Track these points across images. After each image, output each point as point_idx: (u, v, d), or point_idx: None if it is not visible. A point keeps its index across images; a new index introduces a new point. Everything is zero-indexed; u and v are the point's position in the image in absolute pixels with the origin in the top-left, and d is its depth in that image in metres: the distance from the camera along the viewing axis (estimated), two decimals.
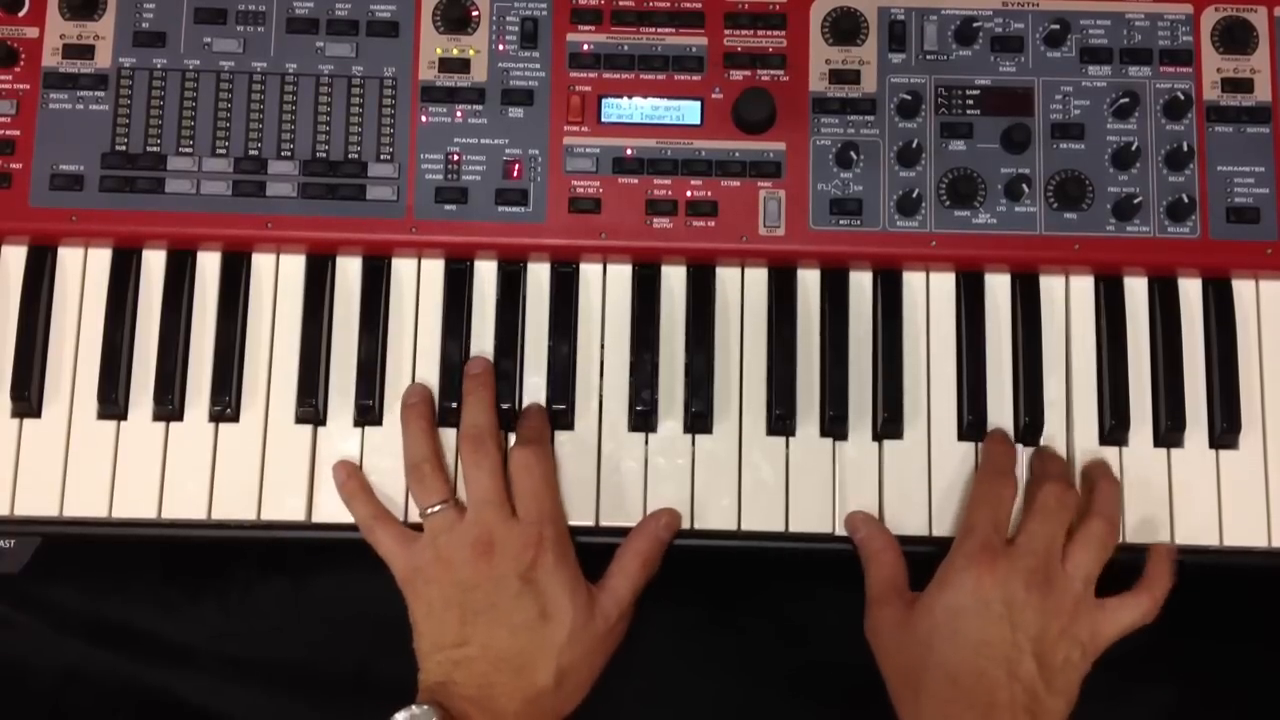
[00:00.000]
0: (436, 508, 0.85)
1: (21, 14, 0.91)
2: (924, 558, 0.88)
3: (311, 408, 0.89)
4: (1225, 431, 0.89)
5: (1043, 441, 0.89)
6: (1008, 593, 0.79)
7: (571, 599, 0.82)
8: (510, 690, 0.81)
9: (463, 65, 0.91)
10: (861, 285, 0.91)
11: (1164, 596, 0.83)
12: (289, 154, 0.90)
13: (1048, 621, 0.79)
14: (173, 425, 0.89)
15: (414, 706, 0.78)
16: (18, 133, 0.90)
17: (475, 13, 0.92)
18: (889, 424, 0.89)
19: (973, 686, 0.78)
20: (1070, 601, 0.80)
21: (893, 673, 0.82)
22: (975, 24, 0.91)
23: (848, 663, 0.92)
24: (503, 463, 0.86)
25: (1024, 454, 0.89)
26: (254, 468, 0.88)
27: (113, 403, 0.88)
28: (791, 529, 0.88)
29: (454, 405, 0.88)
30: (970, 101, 0.91)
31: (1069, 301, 0.91)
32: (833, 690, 0.93)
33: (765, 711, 0.93)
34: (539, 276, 0.91)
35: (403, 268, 0.91)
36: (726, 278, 0.91)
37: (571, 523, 0.88)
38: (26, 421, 0.89)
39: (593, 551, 0.90)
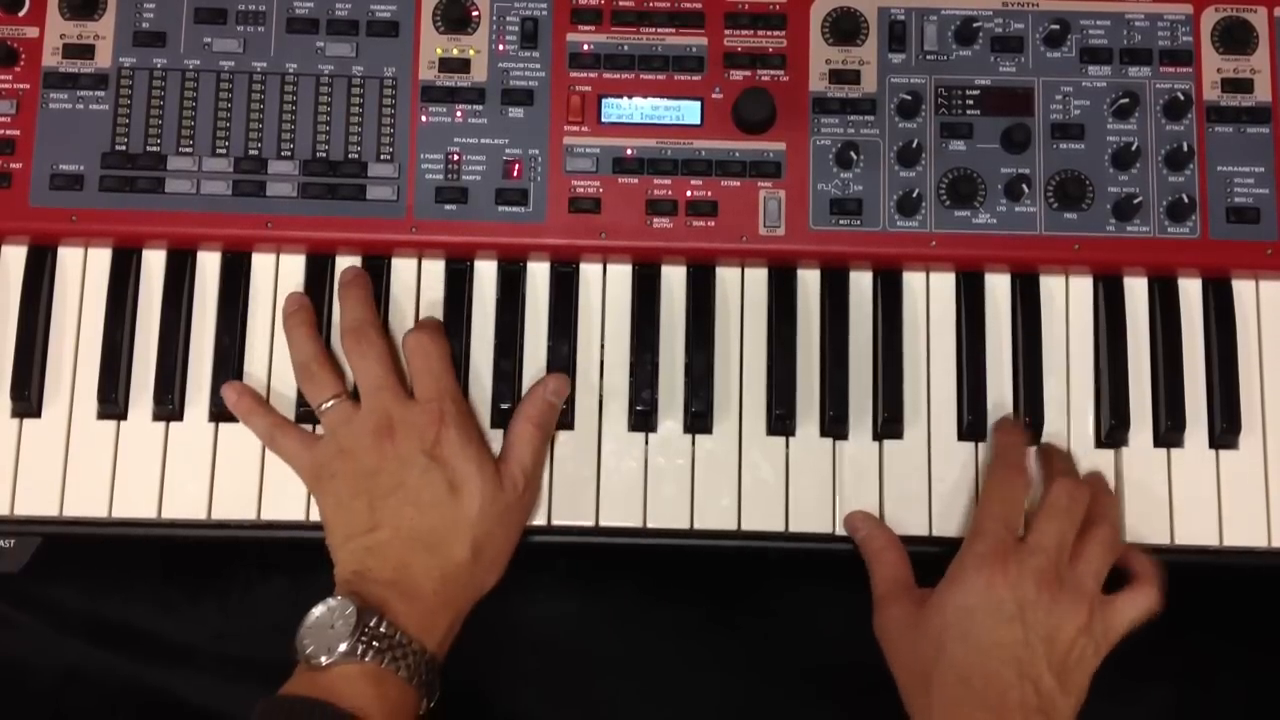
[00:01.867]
0: (330, 402, 0.85)
1: (21, 14, 0.91)
2: (925, 557, 0.89)
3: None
4: (1225, 431, 0.89)
5: (1045, 440, 0.89)
6: (1020, 593, 0.79)
7: (479, 470, 0.82)
8: (426, 568, 0.80)
9: (463, 65, 0.91)
10: (861, 285, 0.91)
11: (1162, 584, 0.83)
12: (289, 154, 0.90)
13: (1060, 621, 0.79)
14: (173, 425, 0.89)
15: (330, 599, 0.77)
16: (18, 132, 0.90)
17: (475, 12, 0.92)
18: (889, 424, 0.89)
19: (984, 687, 0.77)
20: (1082, 599, 0.80)
21: (902, 671, 0.82)
22: (975, 24, 0.91)
23: (848, 662, 0.92)
24: (389, 351, 0.86)
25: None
26: (254, 467, 0.88)
27: (113, 402, 0.88)
28: (791, 529, 0.88)
29: None
30: (970, 101, 0.91)
31: (1069, 301, 0.91)
32: (833, 690, 0.93)
33: (765, 711, 0.93)
34: (539, 276, 0.91)
35: (403, 267, 0.91)
36: (726, 278, 0.91)
37: (571, 522, 0.88)
38: (26, 421, 0.89)
39: (593, 551, 0.90)
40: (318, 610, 0.77)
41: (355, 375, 0.86)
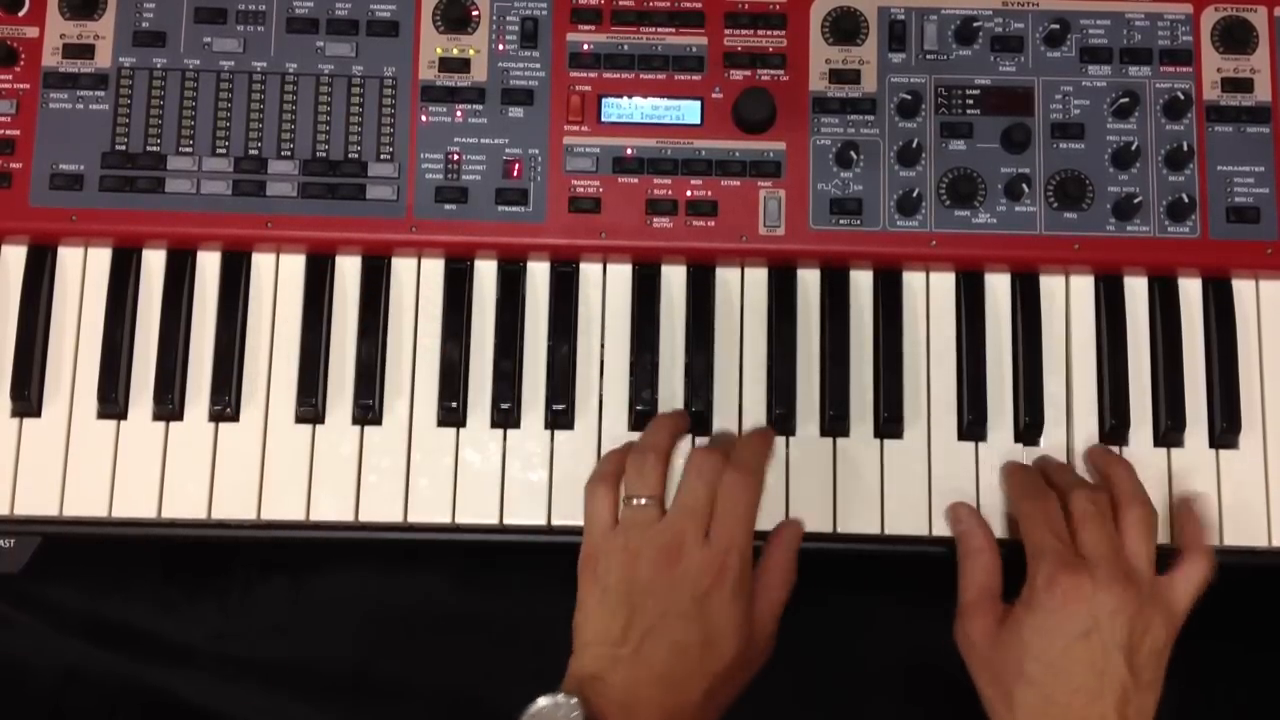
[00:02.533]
0: (642, 500, 0.82)
1: (21, 13, 0.91)
2: (925, 557, 0.89)
3: (311, 407, 0.89)
4: (1225, 431, 0.89)
5: (1043, 441, 0.89)
6: (1093, 606, 0.78)
7: (737, 634, 0.81)
8: (657, 704, 0.79)
9: (463, 65, 0.91)
10: (861, 285, 0.91)
11: (1211, 548, 0.83)
12: (289, 154, 0.90)
13: (1133, 622, 0.79)
14: (173, 425, 0.89)
15: (559, 695, 0.77)
16: (18, 132, 0.90)
17: (475, 12, 0.92)
18: (889, 424, 0.89)
19: (1068, 703, 0.78)
20: (1146, 591, 0.80)
21: (986, 685, 0.82)
22: (975, 24, 0.91)
23: (847, 661, 0.92)
24: (736, 496, 0.83)
25: (1025, 455, 0.89)
26: (254, 467, 0.88)
27: (113, 402, 0.88)
28: None
29: (453, 405, 0.88)
30: (970, 101, 0.91)
31: (1069, 301, 0.91)
32: (833, 689, 0.93)
33: (765, 711, 0.93)
34: (539, 276, 0.91)
35: (402, 267, 0.91)
36: (726, 277, 0.91)
37: (571, 522, 0.88)
38: (26, 421, 0.89)
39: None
40: (544, 701, 0.77)
41: (681, 486, 0.82)
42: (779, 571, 0.85)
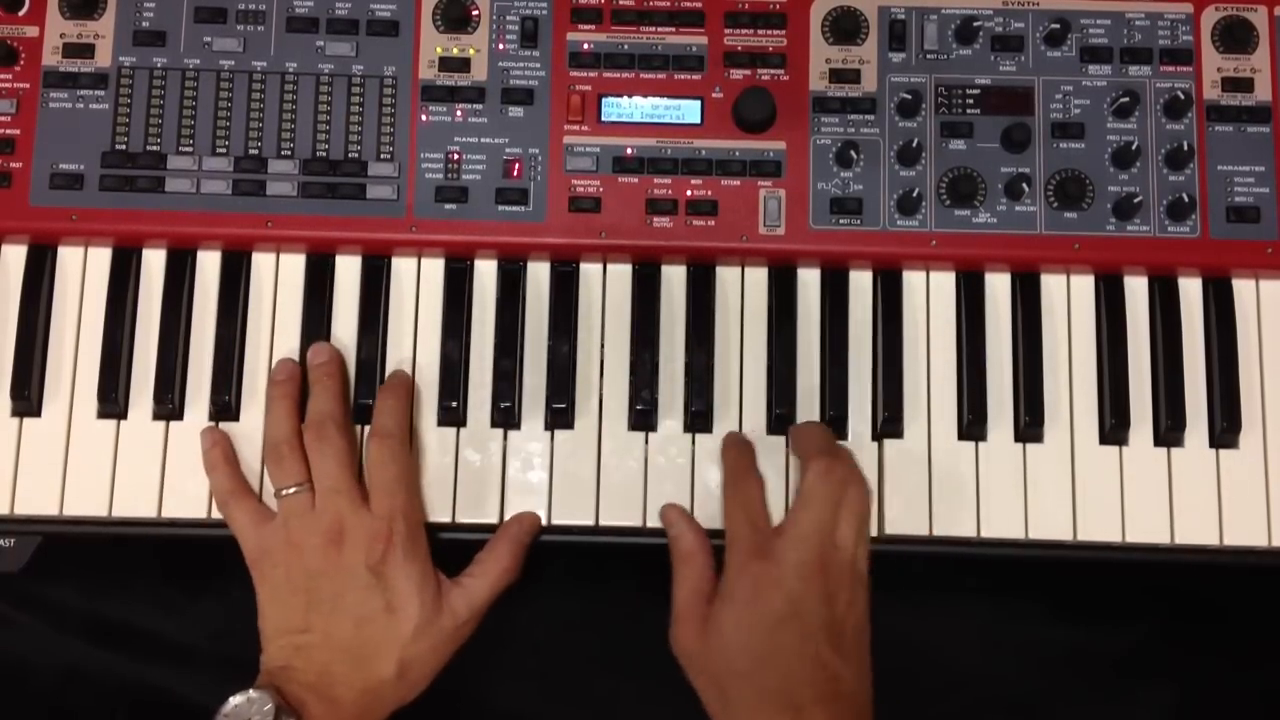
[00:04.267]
0: (291, 490, 0.83)
1: (21, 13, 0.91)
2: (924, 557, 0.89)
3: None
4: (1225, 431, 0.89)
5: (1045, 439, 0.89)
6: (786, 590, 0.78)
7: (419, 595, 0.82)
8: (349, 680, 0.81)
9: (463, 64, 0.91)
10: (861, 285, 0.91)
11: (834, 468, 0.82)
12: (289, 153, 0.90)
13: (832, 604, 0.79)
14: (173, 424, 0.89)
15: (251, 690, 0.78)
16: (18, 132, 0.90)
17: (475, 12, 0.92)
18: (889, 423, 0.89)
19: (777, 690, 0.77)
20: (846, 577, 0.80)
21: (704, 689, 0.81)
22: (975, 23, 0.91)
23: None
24: (350, 450, 0.85)
25: (1025, 453, 0.89)
26: (254, 466, 0.88)
27: (113, 402, 0.88)
28: None
29: (453, 404, 0.88)
30: (970, 101, 0.91)
31: (1069, 301, 0.91)
32: None
33: None
34: (539, 276, 0.91)
35: (403, 267, 0.91)
36: (726, 277, 0.91)
37: (571, 522, 0.88)
38: (26, 420, 0.89)
39: (593, 551, 0.90)
40: (237, 699, 0.78)
41: (313, 471, 0.84)
42: (492, 560, 0.85)
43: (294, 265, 0.91)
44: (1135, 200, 0.88)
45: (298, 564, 0.82)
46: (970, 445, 0.89)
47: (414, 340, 0.90)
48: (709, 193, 0.90)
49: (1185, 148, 0.89)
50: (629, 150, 0.90)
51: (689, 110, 0.91)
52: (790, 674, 0.77)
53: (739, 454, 0.86)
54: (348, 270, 0.91)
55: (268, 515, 0.85)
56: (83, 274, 0.91)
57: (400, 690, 0.82)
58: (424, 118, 0.91)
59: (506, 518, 0.88)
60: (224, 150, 0.90)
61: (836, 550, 0.80)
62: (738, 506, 0.83)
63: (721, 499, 0.85)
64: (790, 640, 0.78)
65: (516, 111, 0.91)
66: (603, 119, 0.91)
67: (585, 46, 0.92)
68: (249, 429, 0.89)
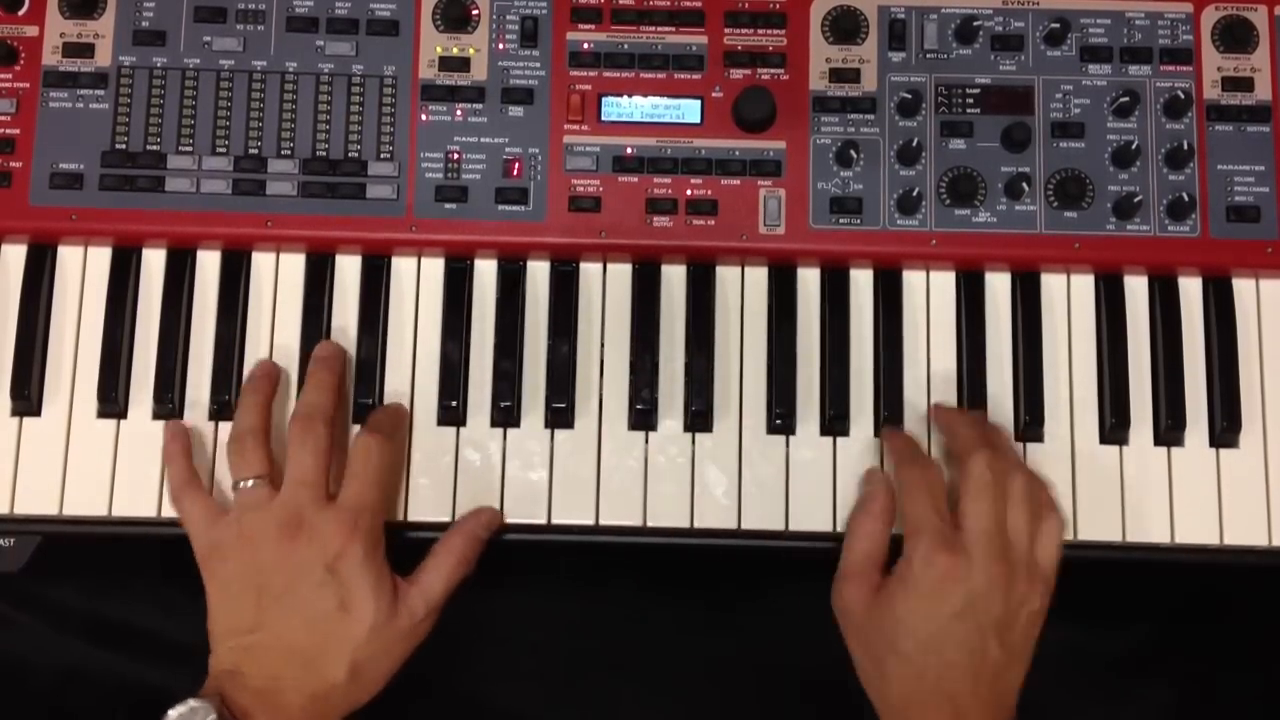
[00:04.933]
0: (250, 482, 0.81)
1: (21, 12, 0.91)
2: None
3: None
4: (1225, 430, 0.89)
5: (1045, 440, 0.89)
6: (968, 587, 0.78)
7: (375, 594, 0.79)
8: (298, 684, 0.78)
9: (463, 64, 0.91)
10: (862, 284, 0.91)
11: (1055, 503, 0.83)
12: (289, 153, 0.90)
13: (1007, 602, 0.79)
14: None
15: (191, 700, 0.75)
16: (17, 131, 0.90)
17: (475, 11, 0.92)
18: (889, 423, 0.89)
19: (937, 679, 0.78)
20: (1022, 571, 0.80)
21: (858, 651, 0.81)
22: (975, 23, 0.91)
23: (847, 661, 0.92)
24: (330, 448, 0.83)
25: (1025, 452, 0.89)
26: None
27: (112, 401, 0.88)
28: (791, 528, 0.88)
29: (453, 404, 0.88)
30: (970, 100, 0.91)
31: (1069, 300, 0.91)
32: (833, 689, 0.93)
33: (765, 710, 0.93)
34: (539, 275, 0.91)
35: (402, 266, 0.91)
36: (726, 276, 0.91)
37: (571, 521, 0.88)
38: (26, 420, 0.89)
39: (593, 551, 0.90)
40: (179, 710, 0.75)
41: (288, 460, 0.82)
42: (447, 554, 0.83)
43: (294, 265, 0.91)
44: (1135, 200, 0.89)
45: (250, 558, 0.80)
46: None
47: (414, 340, 0.90)
48: (709, 192, 0.90)
49: (1185, 147, 0.89)
50: (629, 150, 0.90)
51: (689, 110, 0.91)
52: (954, 665, 0.78)
53: (906, 439, 0.86)
54: (348, 270, 0.91)
55: (221, 512, 0.83)
56: (83, 274, 0.91)
57: (352, 693, 0.80)
58: (424, 117, 0.91)
59: (506, 517, 0.88)
60: (224, 150, 0.90)
61: (1014, 545, 0.80)
62: (921, 490, 0.81)
63: (899, 478, 0.84)
64: (961, 634, 0.78)
65: (516, 111, 0.91)
66: (603, 118, 0.91)
67: (585, 46, 0.92)
68: None
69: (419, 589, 0.82)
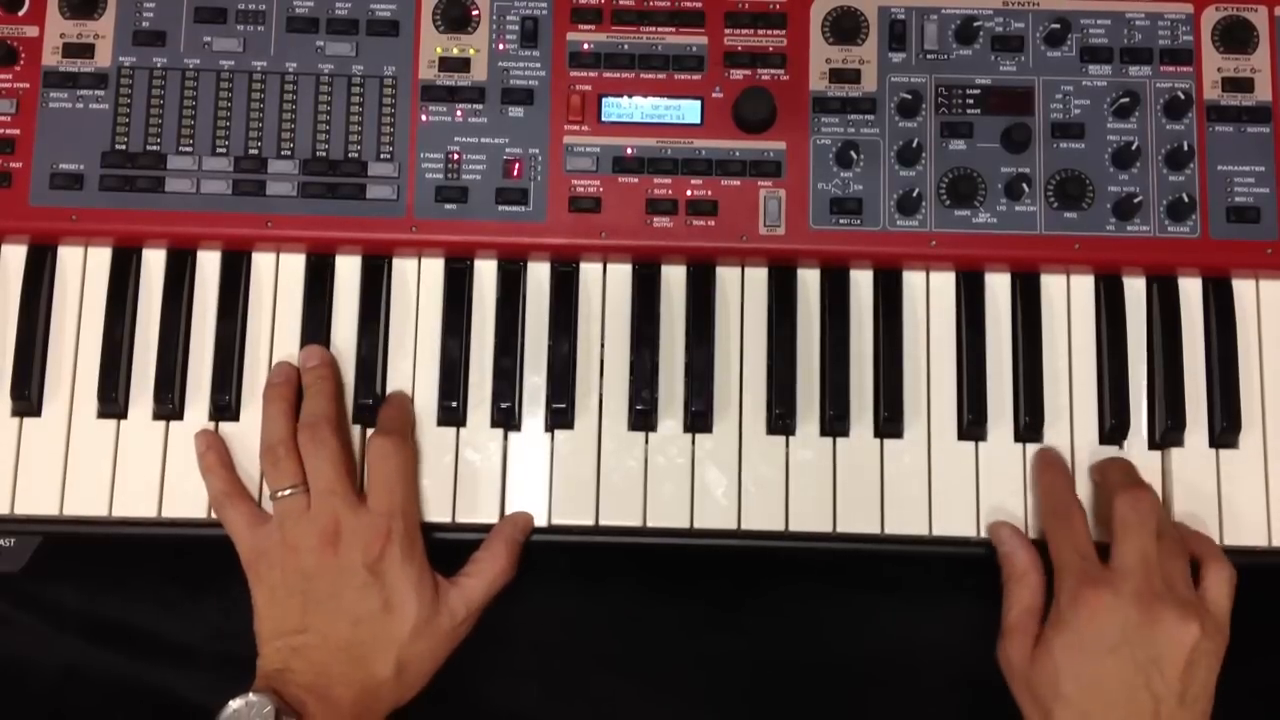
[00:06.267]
0: (287, 492, 0.83)
1: (21, 13, 0.91)
2: (924, 557, 0.89)
3: None
4: (1225, 431, 0.89)
5: (1045, 440, 0.89)
6: (1122, 619, 0.79)
7: (417, 594, 0.82)
8: (348, 679, 0.81)
9: (463, 64, 0.91)
10: (862, 285, 0.91)
11: (1219, 550, 0.85)
12: (289, 153, 0.90)
13: (1167, 637, 0.79)
14: (173, 424, 0.89)
15: (250, 694, 0.78)
16: (18, 132, 0.90)
17: (475, 12, 0.92)
18: (889, 423, 0.89)
19: (1104, 718, 0.78)
20: (1182, 606, 0.80)
21: (1026, 705, 0.82)
22: (975, 23, 0.91)
23: (848, 661, 0.92)
24: (343, 450, 0.85)
25: (1025, 453, 0.89)
26: (254, 466, 0.88)
27: (113, 401, 0.88)
28: (791, 528, 0.88)
29: (453, 404, 0.88)
30: (970, 101, 0.91)
31: (1069, 301, 0.91)
32: (833, 688, 0.93)
33: (765, 710, 0.93)
34: (539, 276, 0.91)
35: (403, 267, 0.91)
36: (726, 277, 0.91)
37: (571, 521, 0.88)
38: (26, 420, 0.89)
39: (593, 551, 0.90)
40: (236, 704, 0.78)
41: (308, 473, 0.83)
42: (489, 559, 0.85)
43: (294, 265, 0.91)
44: (1135, 200, 0.89)
45: (294, 565, 0.82)
46: (970, 445, 0.89)
47: (414, 340, 0.90)
48: (709, 193, 0.90)
49: (1185, 148, 0.89)
50: (629, 150, 0.90)
51: (689, 110, 0.91)
52: (1116, 704, 0.78)
53: (1057, 481, 0.86)
54: (348, 270, 0.91)
55: (263, 517, 0.85)
56: (83, 274, 0.91)
57: (398, 690, 0.83)
58: (424, 118, 0.91)
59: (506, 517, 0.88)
60: (224, 150, 0.90)
61: (1167, 582, 0.80)
62: (1065, 538, 0.83)
63: (1044, 527, 0.85)
64: (1120, 669, 0.78)
65: (516, 111, 0.91)
66: (603, 119, 0.91)
67: (585, 46, 0.92)
68: (249, 429, 0.88)
69: (459, 591, 0.84)
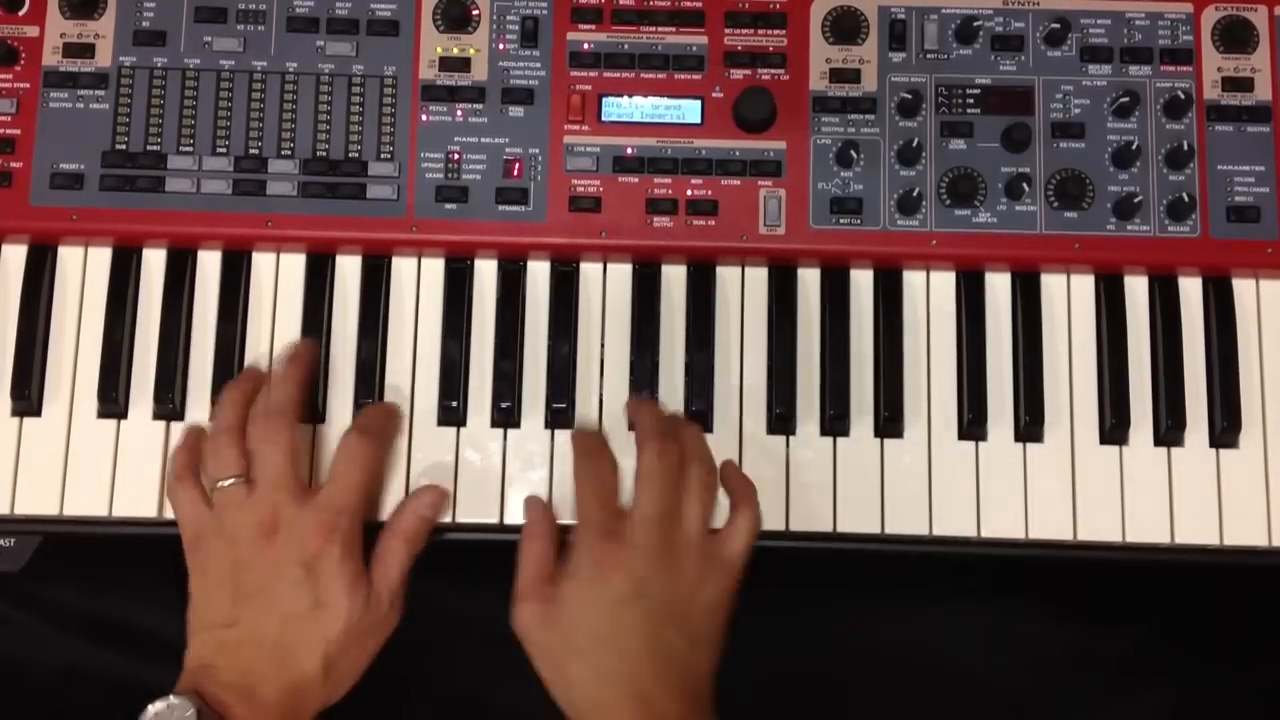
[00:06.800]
0: (227, 481, 0.82)
1: (21, 12, 0.91)
2: (925, 557, 0.89)
3: (311, 406, 0.88)
4: (1225, 431, 0.89)
5: (1045, 439, 0.89)
6: (633, 574, 0.78)
7: (349, 594, 0.80)
8: (274, 678, 0.79)
9: (463, 64, 0.91)
10: (862, 284, 0.91)
11: (756, 500, 0.84)
12: (289, 153, 0.90)
13: (678, 586, 0.79)
14: (173, 424, 0.89)
15: (171, 696, 0.76)
16: (18, 131, 0.90)
17: (475, 11, 0.92)
18: (889, 423, 0.89)
19: (617, 670, 0.77)
20: (694, 557, 0.80)
21: (544, 669, 0.80)
22: (976, 23, 0.91)
23: (847, 660, 0.92)
24: (299, 447, 0.83)
25: (1025, 453, 0.89)
26: None
27: (113, 401, 0.88)
28: (791, 528, 0.88)
29: (453, 404, 0.88)
30: (970, 100, 0.91)
31: (1069, 301, 0.91)
32: (833, 688, 0.93)
33: (765, 709, 0.93)
34: (539, 275, 0.91)
35: (403, 266, 0.91)
36: (727, 277, 0.91)
37: (572, 522, 0.88)
38: (27, 420, 0.89)
39: None
40: (157, 706, 0.76)
41: (257, 461, 0.82)
42: (392, 535, 0.84)
43: (294, 265, 0.91)
44: (1135, 200, 0.89)
45: (228, 553, 0.81)
46: (970, 445, 0.89)
47: (414, 340, 0.90)
48: (709, 192, 0.90)
49: (1185, 147, 0.89)
50: (629, 150, 0.90)
51: (689, 110, 0.91)
52: (630, 653, 0.77)
53: (588, 435, 0.86)
54: (348, 270, 0.91)
55: (209, 504, 0.83)
56: (83, 274, 0.91)
57: (326, 688, 0.81)
58: (424, 117, 0.91)
59: (506, 518, 0.88)
60: (224, 150, 0.90)
61: (683, 531, 0.80)
62: (588, 485, 0.82)
63: (574, 470, 0.84)
64: (632, 620, 0.78)
65: (517, 111, 0.91)
66: (603, 119, 0.91)
67: (585, 46, 0.92)
68: None
69: (380, 579, 0.82)
